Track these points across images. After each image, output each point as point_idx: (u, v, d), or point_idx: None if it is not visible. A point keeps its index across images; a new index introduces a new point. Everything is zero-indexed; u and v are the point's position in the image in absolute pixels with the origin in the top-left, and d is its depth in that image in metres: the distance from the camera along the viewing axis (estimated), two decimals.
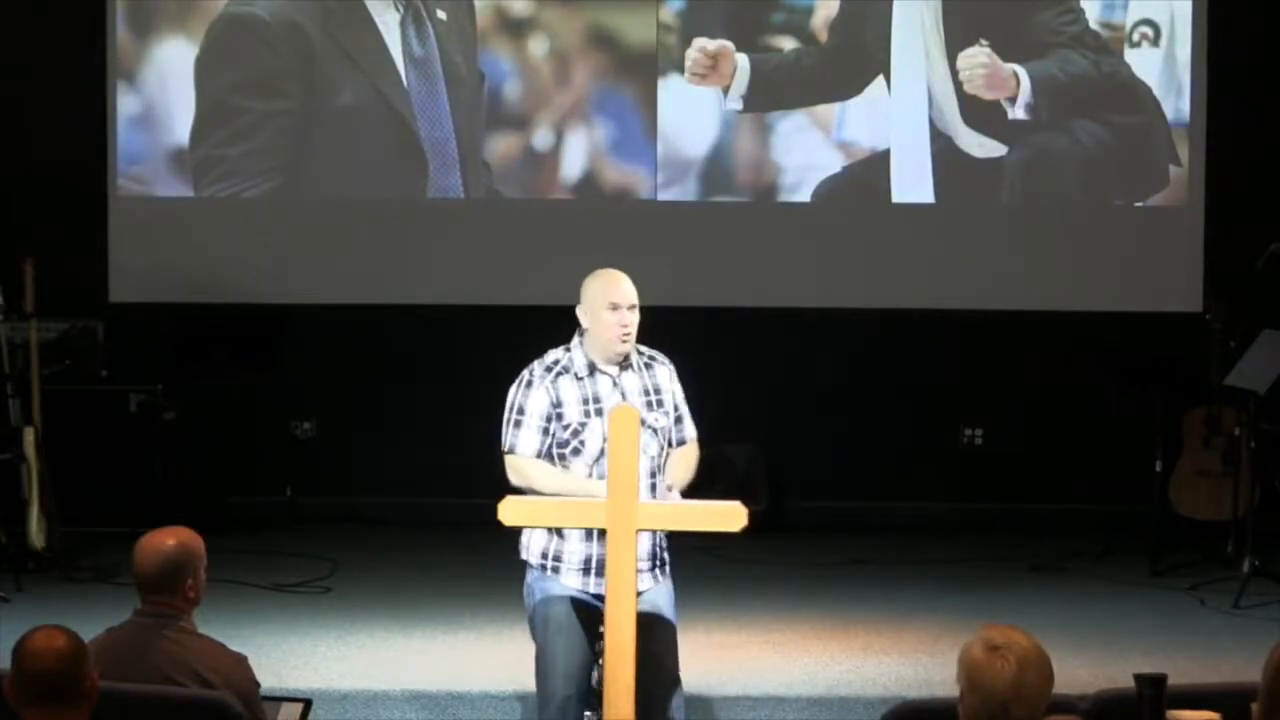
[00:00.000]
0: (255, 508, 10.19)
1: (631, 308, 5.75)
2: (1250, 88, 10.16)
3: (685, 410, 5.94)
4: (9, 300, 8.90)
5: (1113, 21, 10.19)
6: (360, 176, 10.21)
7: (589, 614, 5.67)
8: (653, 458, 5.74)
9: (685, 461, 5.90)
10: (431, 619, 8.03)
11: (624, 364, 5.81)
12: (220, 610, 7.05)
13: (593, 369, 5.78)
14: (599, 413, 5.71)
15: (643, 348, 5.89)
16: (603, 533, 5.27)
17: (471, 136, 10.24)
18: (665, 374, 5.89)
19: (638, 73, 10.23)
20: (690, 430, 5.95)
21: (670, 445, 5.87)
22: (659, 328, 10.49)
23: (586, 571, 5.75)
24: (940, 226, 10.22)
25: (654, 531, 5.71)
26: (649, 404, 5.77)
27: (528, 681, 6.93)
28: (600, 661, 5.37)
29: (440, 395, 10.32)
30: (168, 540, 4.89)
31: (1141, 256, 10.22)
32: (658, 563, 5.80)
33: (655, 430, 5.76)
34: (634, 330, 5.77)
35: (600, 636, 5.48)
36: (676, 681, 5.77)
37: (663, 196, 10.27)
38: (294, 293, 10.24)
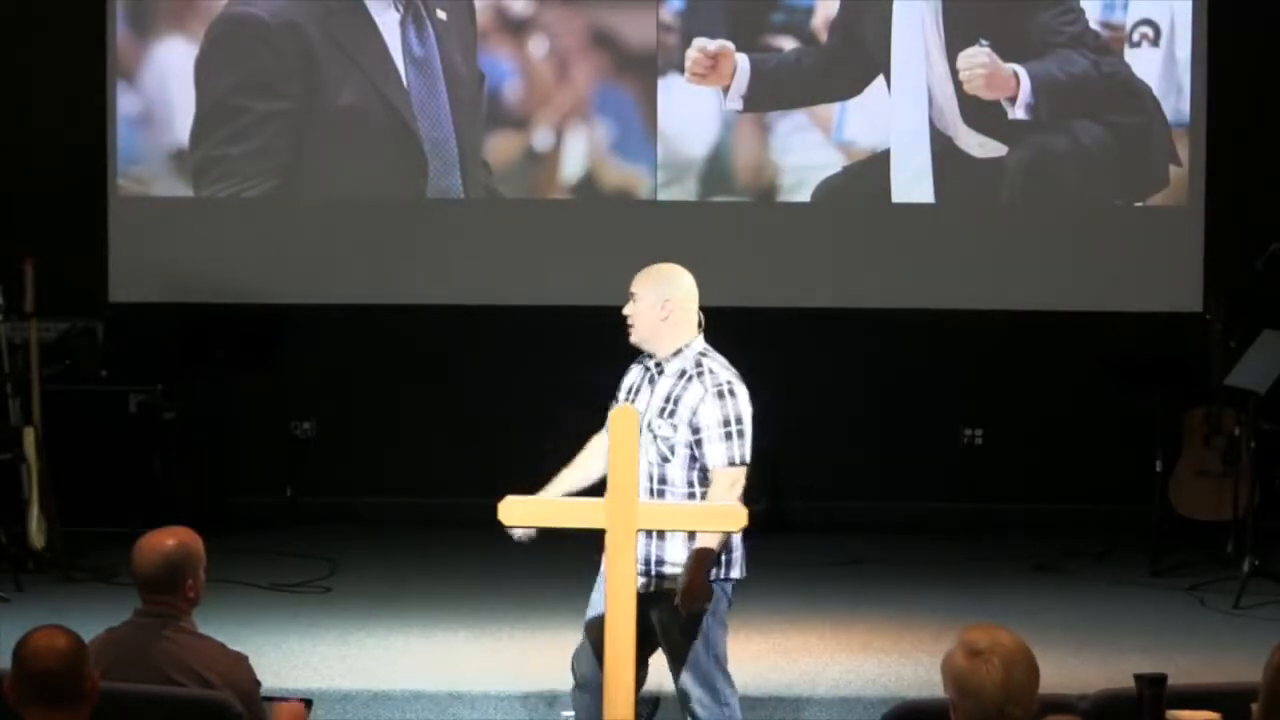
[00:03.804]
0: (255, 508, 10.19)
1: (632, 298, 5.79)
2: (1250, 88, 10.16)
3: (712, 435, 5.68)
4: (9, 300, 8.90)
5: (1113, 21, 10.19)
6: (360, 176, 10.21)
7: None
8: (650, 463, 5.71)
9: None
10: (431, 619, 8.03)
11: (668, 364, 5.78)
12: (220, 610, 7.05)
13: (657, 362, 5.82)
14: (631, 402, 5.79)
15: (712, 363, 5.77)
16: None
17: (471, 136, 10.24)
18: (697, 393, 5.71)
19: (638, 73, 10.23)
20: (713, 457, 5.70)
21: (670, 459, 5.77)
22: None
23: None
24: (940, 226, 10.22)
25: (648, 536, 5.69)
26: (662, 410, 5.73)
27: (528, 682, 6.96)
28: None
29: (440, 395, 10.32)
30: (167, 540, 4.89)
31: (1141, 256, 10.22)
32: (653, 569, 5.74)
33: (655, 436, 5.73)
34: (634, 321, 5.77)
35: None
36: (701, 688, 5.83)
37: (663, 196, 10.27)
38: (294, 293, 10.24)
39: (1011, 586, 8.85)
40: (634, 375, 5.90)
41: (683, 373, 5.76)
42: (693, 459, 5.74)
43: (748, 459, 5.73)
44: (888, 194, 10.23)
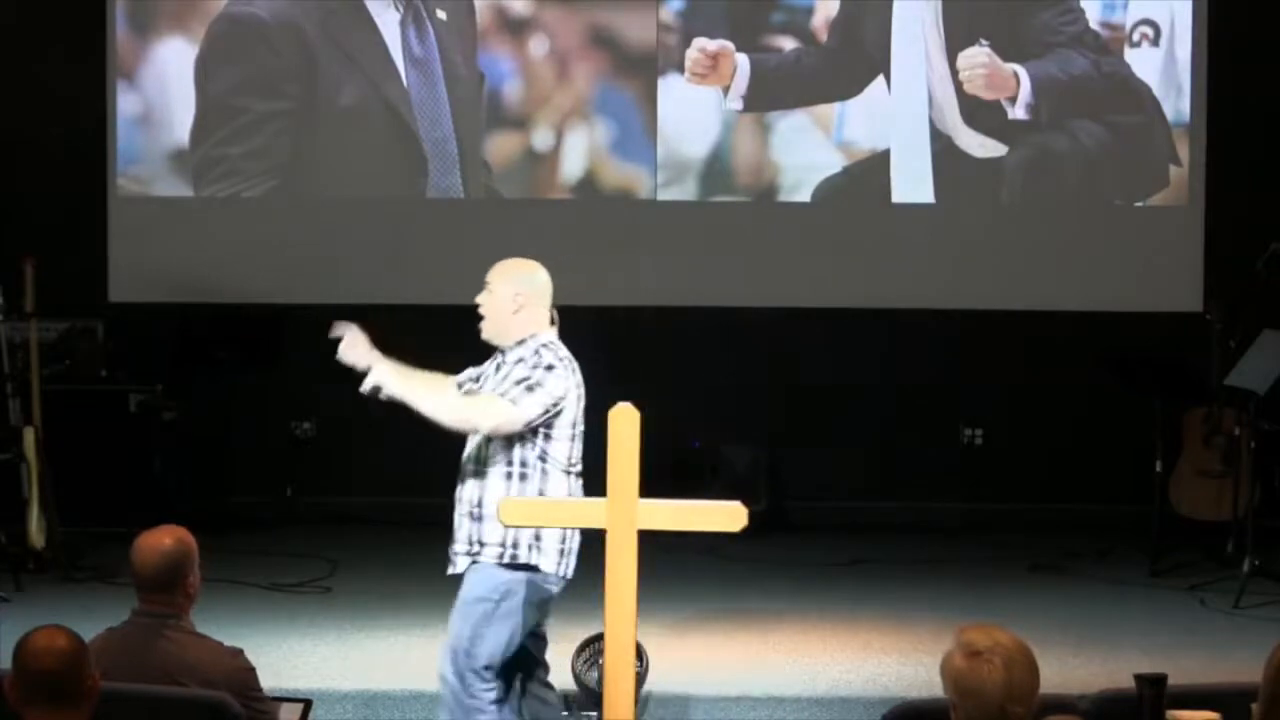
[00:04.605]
0: (255, 508, 10.19)
1: (487, 287, 5.94)
2: (1250, 88, 10.16)
3: (512, 385, 5.79)
4: (9, 300, 8.90)
5: (1113, 21, 10.19)
6: (360, 176, 10.21)
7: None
8: (477, 444, 5.86)
9: (454, 402, 5.88)
10: (431, 619, 8.01)
11: (510, 353, 5.90)
12: (220, 610, 7.05)
13: (503, 351, 5.95)
14: (479, 386, 5.96)
15: (548, 353, 5.85)
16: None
17: (471, 136, 10.24)
18: (520, 369, 5.84)
19: (638, 73, 10.23)
20: (504, 390, 5.80)
21: (494, 437, 5.84)
22: (659, 327, 10.53)
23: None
24: (940, 226, 10.22)
25: (472, 518, 5.79)
26: (497, 391, 5.85)
27: None
28: (600, 661, 5.37)
29: None
30: (166, 539, 4.90)
31: (1141, 256, 10.23)
32: (473, 550, 5.81)
33: None
34: (485, 312, 5.93)
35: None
36: (449, 666, 5.80)
37: (663, 196, 10.27)
38: (294, 292, 10.24)
39: (1011, 586, 8.85)
40: (487, 365, 6.02)
41: (520, 360, 5.86)
42: (518, 440, 5.78)
43: (521, 407, 5.73)
44: (888, 194, 10.24)
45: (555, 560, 5.81)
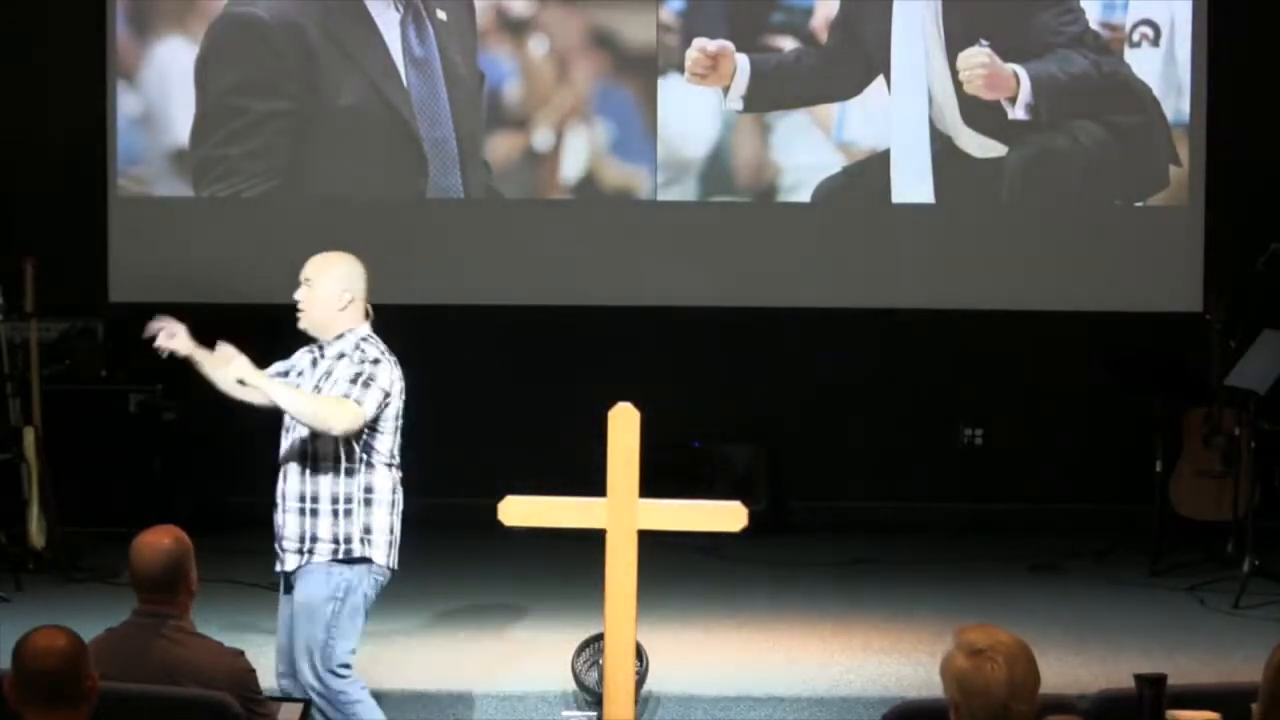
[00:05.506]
0: (255, 508, 10.14)
1: (306, 283, 6.02)
2: (1250, 88, 10.16)
3: (341, 381, 5.83)
4: (9, 300, 8.90)
5: (1113, 21, 10.19)
6: (360, 176, 10.21)
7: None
8: (303, 439, 5.86)
9: (314, 398, 5.85)
10: (431, 619, 8.02)
11: (329, 347, 5.95)
12: (220, 610, 7.06)
13: (320, 346, 6.00)
14: (298, 384, 5.94)
15: (369, 346, 5.91)
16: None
17: (471, 136, 10.24)
18: (346, 366, 5.89)
19: (638, 73, 10.23)
20: (335, 391, 5.83)
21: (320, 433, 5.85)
22: (659, 327, 10.53)
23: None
24: (940, 226, 10.22)
25: (302, 514, 5.81)
26: (317, 387, 5.89)
27: (527, 682, 6.95)
28: (600, 661, 5.36)
29: (438, 395, 10.29)
30: (164, 539, 4.91)
31: (1141, 256, 10.22)
32: (306, 546, 5.82)
33: None
34: (307, 307, 6.01)
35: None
36: (309, 672, 5.80)
37: (663, 196, 10.27)
38: (294, 292, 10.21)
39: (1011, 586, 8.85)
40: (299, 358, 6.05)
41: (341, 354, 5.93)
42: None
43: (365, 407, 5.81)
44: (888, 194, 10.23)
45: (385, 552, 5.92)
